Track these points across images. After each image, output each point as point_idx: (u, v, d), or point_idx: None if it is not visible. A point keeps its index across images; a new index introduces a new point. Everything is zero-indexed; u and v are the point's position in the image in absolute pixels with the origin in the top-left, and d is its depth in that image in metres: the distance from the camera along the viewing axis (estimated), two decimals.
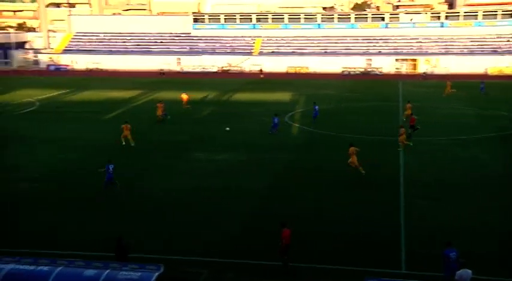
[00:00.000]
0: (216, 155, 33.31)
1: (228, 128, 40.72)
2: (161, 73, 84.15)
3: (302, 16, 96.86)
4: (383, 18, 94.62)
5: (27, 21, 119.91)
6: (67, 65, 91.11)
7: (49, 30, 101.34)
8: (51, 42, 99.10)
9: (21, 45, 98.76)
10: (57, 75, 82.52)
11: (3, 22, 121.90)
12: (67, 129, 41.26)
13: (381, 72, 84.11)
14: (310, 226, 21.72)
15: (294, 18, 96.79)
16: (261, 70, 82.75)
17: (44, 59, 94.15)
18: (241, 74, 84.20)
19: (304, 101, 55.99)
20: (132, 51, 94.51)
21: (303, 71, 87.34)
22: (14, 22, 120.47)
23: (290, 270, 17.99)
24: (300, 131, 41.05)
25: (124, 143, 35.43)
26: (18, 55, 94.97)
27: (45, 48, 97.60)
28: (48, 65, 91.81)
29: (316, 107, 44.05)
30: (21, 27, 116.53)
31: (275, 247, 18.32)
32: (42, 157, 33.00)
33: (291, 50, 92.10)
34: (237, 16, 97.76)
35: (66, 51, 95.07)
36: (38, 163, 31.57)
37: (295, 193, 26.00)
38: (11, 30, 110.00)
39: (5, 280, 12.73)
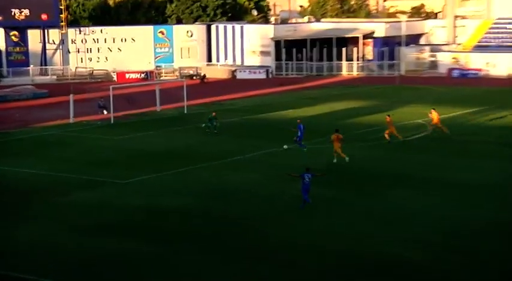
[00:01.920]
0: None
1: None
2: None
3: None
4: None
5: (427, 3, 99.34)
6: (479, 69, 69.08)
7: (456, 16, 77.96)
8: (459, 35, 76.61)
9: (414, 39, 78.11)
10: (462, 85, 64.38)
11: (393, 6, 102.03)
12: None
13: None
14: None
15: None
16: None
17: (445, 60, 73.04)
18: None
19: None
20: None
21: None
22: (408, 6, 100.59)
23: None
24: None
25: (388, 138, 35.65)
26: (409, 54, 74.69)
27: (449, 44, 75.82)
28: (450, 69, 70.63)
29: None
30: (417, 12, 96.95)
31: None
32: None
33: None
34: None
35: (478, 48, 72.41)
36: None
37: None
38: (402, 17, 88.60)
39: None
